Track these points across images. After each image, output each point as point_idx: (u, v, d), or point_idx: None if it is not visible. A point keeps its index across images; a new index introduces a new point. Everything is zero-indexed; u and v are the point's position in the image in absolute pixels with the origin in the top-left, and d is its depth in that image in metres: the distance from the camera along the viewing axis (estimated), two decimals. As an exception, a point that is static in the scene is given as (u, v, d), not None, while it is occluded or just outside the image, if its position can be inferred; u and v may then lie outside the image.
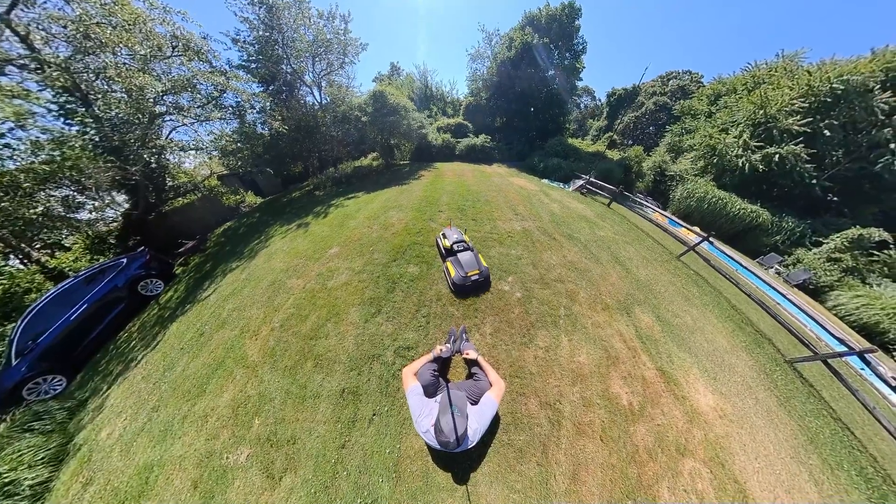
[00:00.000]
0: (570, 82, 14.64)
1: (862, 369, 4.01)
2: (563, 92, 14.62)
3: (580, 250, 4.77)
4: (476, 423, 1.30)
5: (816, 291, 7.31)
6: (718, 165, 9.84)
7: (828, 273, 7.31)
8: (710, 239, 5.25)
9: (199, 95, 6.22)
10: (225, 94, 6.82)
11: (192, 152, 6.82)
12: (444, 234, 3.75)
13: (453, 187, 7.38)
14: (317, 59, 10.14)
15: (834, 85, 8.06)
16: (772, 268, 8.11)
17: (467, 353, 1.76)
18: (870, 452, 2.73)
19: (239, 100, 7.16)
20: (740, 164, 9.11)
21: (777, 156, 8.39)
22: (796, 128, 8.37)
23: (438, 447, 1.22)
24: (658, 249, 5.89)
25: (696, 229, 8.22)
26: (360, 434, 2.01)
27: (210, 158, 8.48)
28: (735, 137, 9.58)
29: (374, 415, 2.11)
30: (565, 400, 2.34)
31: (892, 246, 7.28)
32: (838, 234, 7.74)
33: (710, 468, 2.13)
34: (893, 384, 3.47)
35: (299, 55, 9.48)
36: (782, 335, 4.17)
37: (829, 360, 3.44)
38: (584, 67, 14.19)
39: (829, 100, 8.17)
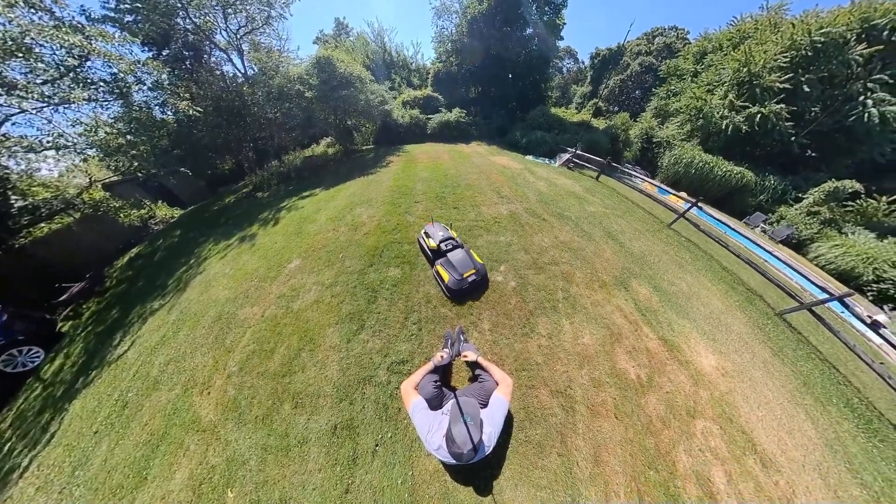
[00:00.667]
0: (550, 42, 14.23)
1: (842, 312, 4.78)
2: (544, 53, 14.13)
3: (572, 229, 5.10)
4: (489, 426, 1.33)
5: (799, 245, 8.55)
6: (704, 128, 10.95)
7: (808, 227, 8.54)
8: (699, 204, 5.87)
9: (41, 64, 4.42)
10: (90, 63, 4.92)
11: (50, 153, 4.88)
12: (426, 233, 3.62)
13: (428, 173, 7.37)
14: (229, 9, 7.93)
15: (814, 38, 9.03)
16: (757, 227, 9.28)
17: (465, 356, 1.81)
18: (854, 385, 3.35)
19: (115, 71, 5.24)
20: (723, 126, 10.20)
21: (759, 115, 9.49)
22: (778, 85, 9.50)
23: (454, 462, 1.22)
24: (649, 220, 6.46)
25: (684, 195, 9.08)
26: (364, 472, 1.92)
27: (85, 160, 5.63)
28: (720, 98, 10.66)
29: (376, 445, 2.05)
30: (575, 384, 2.54)
31: (863, 196, 8.64)
32: (816, 189, 9.03)
33: (720, 424, 2.47)
34: (868, 322, 4.20)
35: (201, 3, 7.33)
36: (771, 290, 4.84)
37: (814, 308, 4.06)
38: (564, 24, 14.02)
39: (809, 54, 9.29)
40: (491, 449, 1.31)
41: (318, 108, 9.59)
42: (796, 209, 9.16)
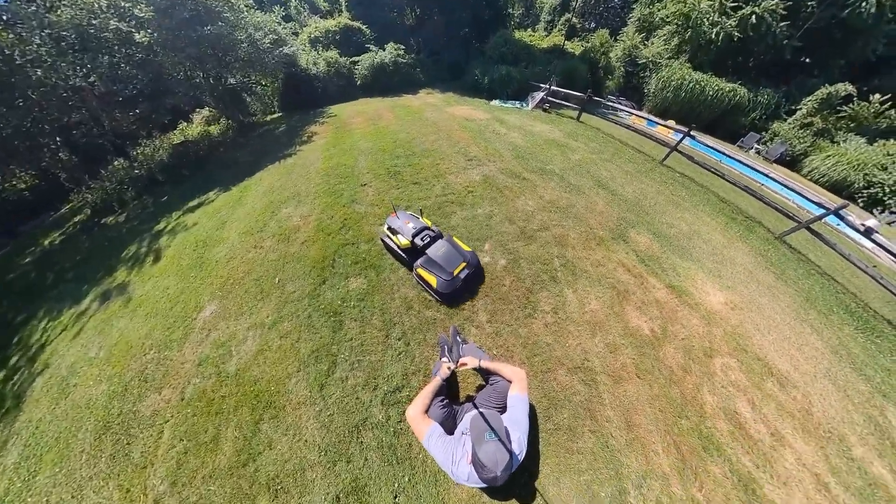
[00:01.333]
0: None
1: (837, 225, 6.09)
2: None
3: (557, 184, 5.67)
4: (516, 431, 1.45)
5: (793, 161, 10.39)
6: (693, 40, 12.30)
7: (801, 140, 10.36)
8: (691, 133, 6.83)
9: None
10: None
11: None
12: (391, 229, 3.56)
13: (370, 142, 7.32)
14: None
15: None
16: (752, 148, 11.00)
17: (464, 364, 1.94)
18: (851, 292, 4.46)
19: None
20: (714, 36, 11.57)
21: (753, 16, 10.90)
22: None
23: (487, 485, 1.33)
24: (639, 159, 7.36)
25: (672, 123, 10.32)
26: (387, 534, 2.03)
27: None
28: (710, 1, 11.89)
29: (395, 497, 2.17)
30: (591, 355, 3.01)
31: (855, 98, 10.63)
32: (810, 97, 10.89)
33: (737, 357, 3.16)
34: (862, 230, 5.44)
35: None
36: (769, 214, 5.96)
37: (811, 226, 5.14)
38: None
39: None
40: (524, 454, 1.44)
41: (166, 61, 7.49)
42: (789, 123, 11.01)
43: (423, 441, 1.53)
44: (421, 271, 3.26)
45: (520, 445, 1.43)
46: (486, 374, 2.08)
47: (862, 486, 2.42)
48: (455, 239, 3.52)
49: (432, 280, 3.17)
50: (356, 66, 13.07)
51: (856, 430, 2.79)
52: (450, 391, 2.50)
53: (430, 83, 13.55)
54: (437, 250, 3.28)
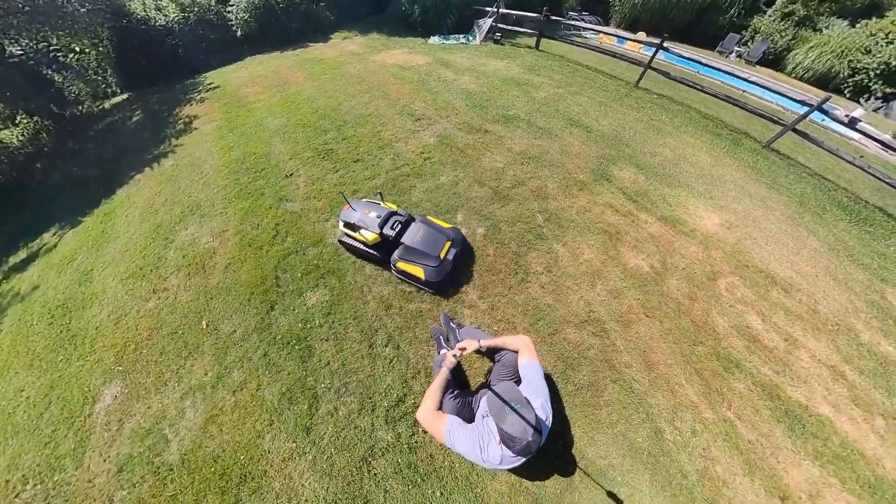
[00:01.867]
0: None
1: (822, 120, 7.09)
2: None
3: (525, 132, 6.10)
4: (537, 396, 1.64)
5: (777, 60, 11.62)
6: None
7: (783, 34, 11.53)
8: (664, 45, 7.48)
9: None
10: None
11: None
12: (349, 226, 3.59)
13: (283, 117, 7.01)
14: None
15: None
16: (732, 52, 12.11)
17: (463, 349, 2.08)
18: (842, 187, 5.44)
19: None
20: None
21: None
22: None
23: (524, 458, 1.50)
24: (612, 86, 7.98)
25: (642, 36, 11.06)
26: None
27: None
28: None
29: None
30: (595, 305, 3.50)
31: None
32: None
33: (739, 274, 3.87)
34: (846, 121, 6.37)
35: None
36: (755, 123, 6.82)
37: (797, 126, 5.97)
38: None
39: None
40: (550, 418, 1.62)
41: None
42: (769, 16, 12.18)
43: (444, 440, 1.66)
44: (402, 265, 3.39)
45: (544, 410, 1.61)
46: (491, 353, 2.35)
47: (874, 367, 3.16)
48: (430, 218, 3.72)
49: (418, 271, 3.31)
50: (229, 9, 10.91)
51: (860, 318, 3.57)
52: (459, 383, 2.74)
53: (342, 23, 12.57)
54: (413, 235, 3.42)
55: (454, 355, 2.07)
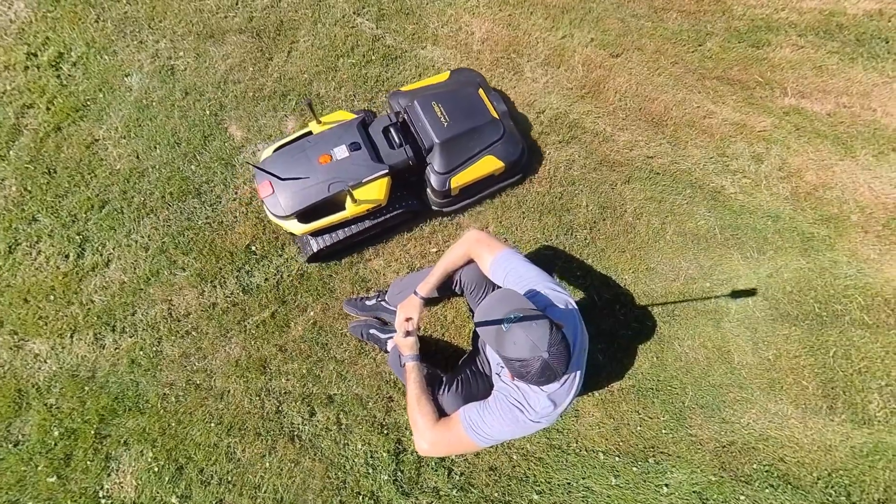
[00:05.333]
0: None
1: None
2: None
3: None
4: (536, 287, 1.37)
5: None
6: None
7: None
8: None
9: None
10: None
11: None
12: (268, 198, 1.82)
13: None
14: None
15: None
16: None
17: (409, 321, 1.44)
18: None
19: None
20: None
21: None
22: None
23: (566, 382, 1.22)
24: None
25: None
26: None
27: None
28: None
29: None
30: (548, 98, 2.41)
31: None
32: None
33: None
34: None
35: None
36: None
37: None
38: None
39: None
40: (571, 301, 1.36)
41: None
42: None
43: (475, 444, 1.28)
44: (460, 178, 2.05)
45: (562, 299, 1.30)
46: (445, 292, 1.74)
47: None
48: (414, 86, 2.19)
49: (490, 165, 2.04)
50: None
51: None
52: (445, 367, 1.89)
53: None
54: (438, 126, 1.99)
55: (405, 334, 1.47)
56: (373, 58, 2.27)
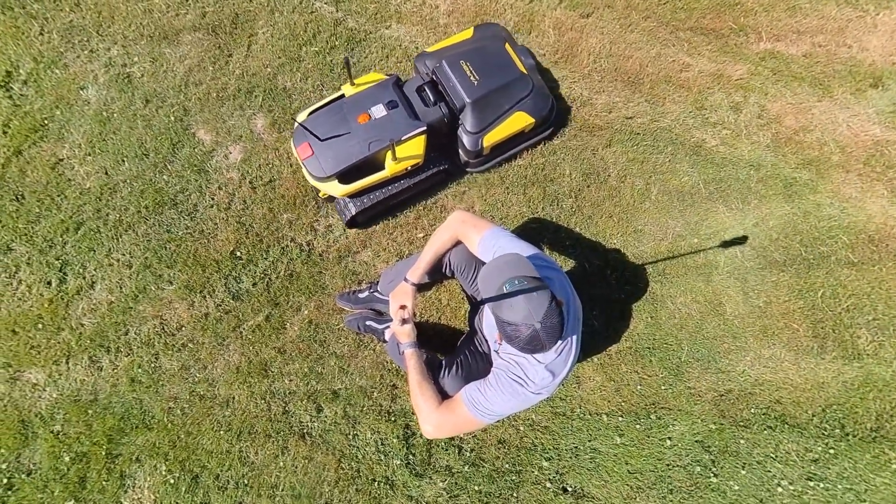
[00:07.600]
0: None
1: None
2: None
3: None
4: (529, 249, 1.39)
5: None
6: None
7: None
8: None
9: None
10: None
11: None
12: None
13: None
14: None
15: None
16: None
17: (403, 308, 1.46)
18: None
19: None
20: None
21: None
22: None
23: (560, 349, 1.26)
24: None
25: None
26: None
27: None
28: None
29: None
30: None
31: None
32: None
33: None
34: None
35: None
36: None
37: None
38: None
39: None
40: (559, 269, 1.39)
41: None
42: None
43: (479, 422, 1.33)
44: (492, 136, 2.04)
45: (544, 268, 1.30)
46: (436, 276, 1.73)
47: None
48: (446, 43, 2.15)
49: (521, 121, 2.05)
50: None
51: None
52: (443, 350, 1.94)
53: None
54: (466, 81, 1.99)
55: (401, 322, 1.48)
56: (336, 43, 2.14)
